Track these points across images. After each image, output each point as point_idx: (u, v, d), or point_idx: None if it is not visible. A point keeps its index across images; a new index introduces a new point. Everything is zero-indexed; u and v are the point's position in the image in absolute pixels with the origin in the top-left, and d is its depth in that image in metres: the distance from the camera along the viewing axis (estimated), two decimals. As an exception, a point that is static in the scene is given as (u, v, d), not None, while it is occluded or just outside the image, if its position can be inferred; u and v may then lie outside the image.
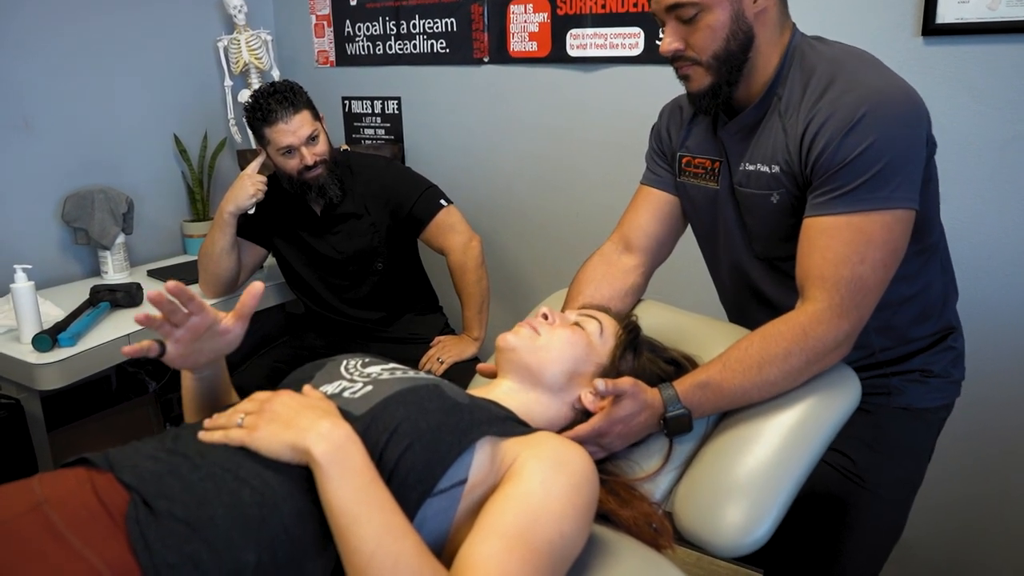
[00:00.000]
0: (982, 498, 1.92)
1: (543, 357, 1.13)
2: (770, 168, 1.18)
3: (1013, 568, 1.91)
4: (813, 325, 1.09)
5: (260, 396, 0.97)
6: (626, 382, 1.08)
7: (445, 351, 2.13)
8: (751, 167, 1.21)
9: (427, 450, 0.91)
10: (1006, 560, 1.92)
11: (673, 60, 1.21)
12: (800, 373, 1.10)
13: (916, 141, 1.10)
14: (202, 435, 0.93)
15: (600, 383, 1.06)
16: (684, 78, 1.22)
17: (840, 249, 1.09)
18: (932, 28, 1.73)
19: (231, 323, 1.06)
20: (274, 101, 1.98)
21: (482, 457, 0.96)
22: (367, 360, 1.13)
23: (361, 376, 1.06)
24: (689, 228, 1.44)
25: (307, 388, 1.01)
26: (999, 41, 1.68)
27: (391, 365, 1.12)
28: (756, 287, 1.31)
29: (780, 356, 1.09)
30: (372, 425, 0.93)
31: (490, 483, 0.95)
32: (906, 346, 1.28)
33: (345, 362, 1.12)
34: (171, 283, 0.97)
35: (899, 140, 1.08)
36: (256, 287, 1.03)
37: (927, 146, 1.13)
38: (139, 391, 2.54)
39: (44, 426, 1.97)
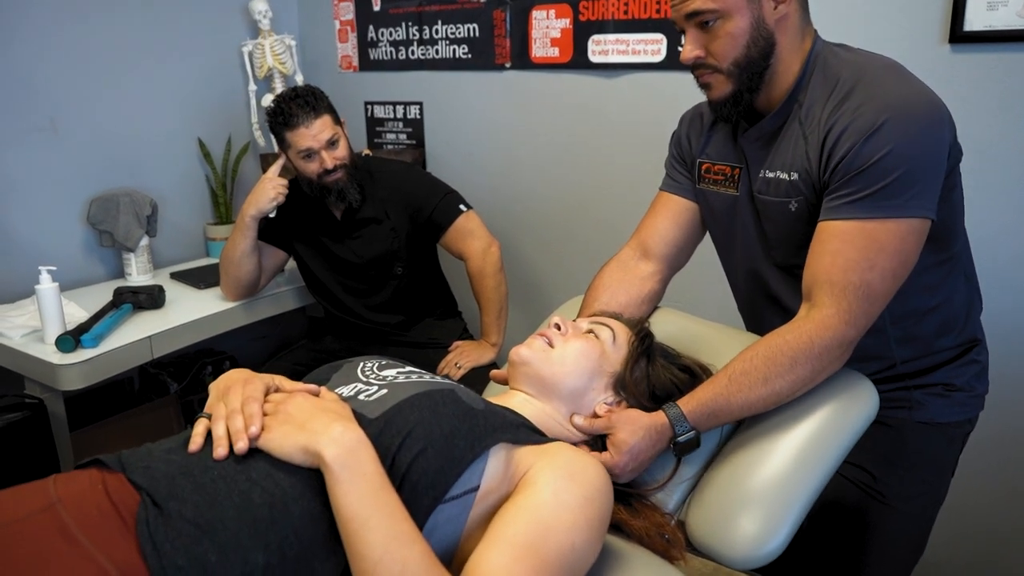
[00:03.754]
0: (1008, 513, 1.88)
1: (558, 370, 1.13)
2: (789, 175, 1.17)
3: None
4: (820, 332, 1.08)
5: (275, 397, 0.97)
6: (600, 422, 1.11)
7: (463, 356, 2.13)
8: (771, 174, 1.20)
9: (440, 456, 0.91)
10: (1032, 577, 1.88)
11: (694, 68, 1.20)
12: (806, 383, 1.10)
13: (936, 151, 1.08)
14: None
15: (578, 419, 1.13)
16: (705, 86, 1.21)
17: (851, 254, 1.07)
18: (960, 35, 1.71)
19: None
20: (295, 105, 1.99)
21: (496, 464, 0.95)
22: (384, 363, 1.13)
23: (377, 379, 1.06)
24: (707, 235, 1.43)
25: (322, 390, 1.01)
26: (1028, 49, 1.65)
27: (407, 368, 1.12)
28: (773, 294, 1.30)
29: (786, 367, 1.08)
30: (386, 429, 0.93)
31: (503, 491, 0.95)
32: (929, 358, 1.26)
33: (362, 364, 1.12)
34: None
35: (918, 149, 1.06)
36: (312, 392, 0.99)
37: (951, 155, 1.11)
38: (161, 392, 2.56)
39: (67, 426, 2.00)
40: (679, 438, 1.10)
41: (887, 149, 1.05)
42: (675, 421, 1.10)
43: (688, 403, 1.11)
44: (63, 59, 2.30)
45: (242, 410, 0.92)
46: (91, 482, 0.86)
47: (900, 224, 1.07)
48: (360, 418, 0.94)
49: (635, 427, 1.09)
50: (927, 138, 1.07)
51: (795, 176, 1.16)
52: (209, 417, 0.95)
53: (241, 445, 0.88)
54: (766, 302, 1.32)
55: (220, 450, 0.88)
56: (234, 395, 0.94)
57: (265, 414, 0.93)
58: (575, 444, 1.09)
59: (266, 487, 0.84)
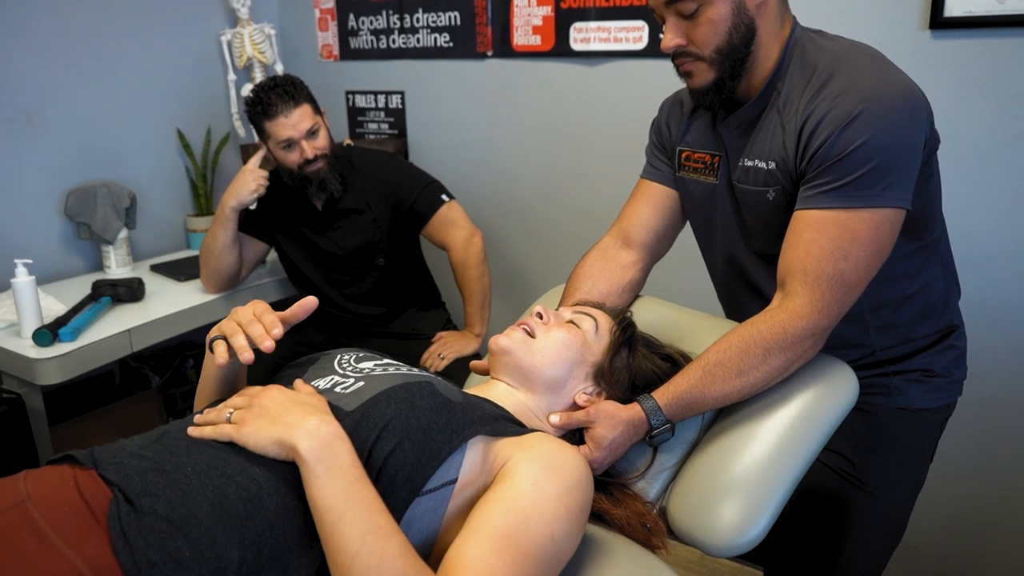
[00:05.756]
0: (985, 497, 1.89)
1: (538, 360, 1.12)
2: (767, 164, 1.16)
3: (1016, 567, 1.89)
4: (793, 322, 1.07)
5: (250, 391, 0.96)
6: (581, 414, 1.10)
7: (446, 347, 2.12)
8: (749, 163, 1.19)
9: (417, 449, 0.90)
10: (1010, 559, 1.90)
11: (675, 57, 1.19)
12: (780, 372, 1.10)
13: (912, 141, 1.08)
14: (192, 431, 0.92)
15: (555, 417, 1.12)
16: (686, 74, 1.20)
17: (825, 244, 1.07)
18: (940, 21, 1.70)
19: (280, 334, 1.00)
20: (274, 95, 1.97)
21: (473, 457, 0.95)
22: (361, 355, 1.12)
23: (354, 371, 1.05)
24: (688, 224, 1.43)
25: (298, 383, 1.00)
26: (1008, 35, 1.65)
27: (385, 361, 1.11)
28: (753, 282, 1.29)
29: (760, 357, 1.08)
30: (362, 422, 0.92)
31: (481, 483, 0.94)
32: (908, 344, 1.26)
33: (339, 357, 1.11)
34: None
35: (894, 140, 1.06)
36: (310, 301, 1.02)
37: (928, 143, 1.11)
38: (142, 386, 2.54)
39: (46, 420, 1.97)
40: (654, 431, 1.10)
41: (863, 139, 1.04)
42: (651, 413, 1.10)
43: (663, 395, 1.10)
44: (38, 49, 2.26)
45: (259, 319, 0.97)
46: (62, 479, 0.84)
47: (875, 214, 1.07)
48: (336, 411, 0.93)
49: (614, 421, 1.09)
50: (903, 128, 1.07)
51: (772, 165, 1.16)
52: (222, 338, 0.99)
53: (268, 344, 0.95)
54: (745, 290, 1.32)
55: (246, 354, 0.95)
56: (244, 312, 1.00)
57: (239, 408, 0.92)
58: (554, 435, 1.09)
59: (240, 482, 0.83)
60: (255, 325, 0.97)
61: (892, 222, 1.08)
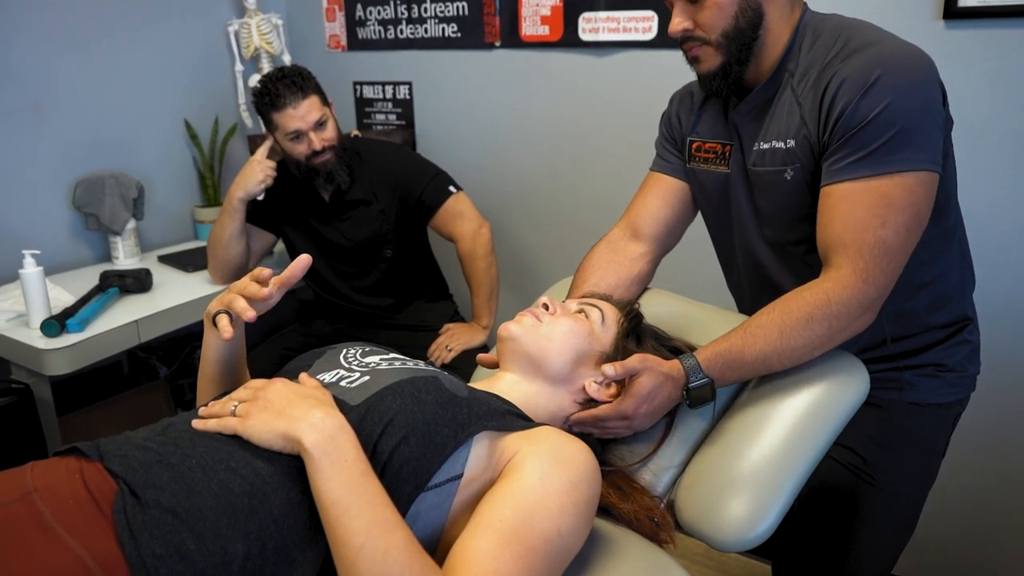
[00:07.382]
0: (996, 488, 1.88)
1: (546, 347, 1.11)
2: (785, 143, 1.16)
3: (1029, 563, 1.88)
4: (837, 290, 1.06)
5: (255, 384, 0.96)
6: (634, 360, 1.08)
7: (454, 339, 2.12)
8: (766, 145, 1.18)
9: (422, 444, 0.90)
10: (1019, 551, 1.88)
11: (682, 42, 1.19)
12: (823, 340, 1.07)
13: (933, 103, 1.07)
14: (196, 423, 0.92)
15: (609, 368, 1.07)
16: (694, 60, 1.20)
17: (861, 214, 1.06)
18: (954, 11, 1.69)
19: (274, 290, 1.01)
20: (282, 86, 1.96)
21: (479, 452, 0.94)
22: (367, 349, 1.12)
23: (359, 366, 1.05)
24: (697, 216, 1.42)
25: (303, 376, 0.99)
26: (1023, 25, 1.63)
27: (391, 355, 1.11)
28: (767, 273, 1.28)
29: (802, 321, 1.06)
30: (367, 416, 0.92)
31: (487, 478, 0.94)
32: (921, 336, 1.25)
33: (345, 351, 1.11)
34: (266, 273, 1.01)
35: (915, 103, 1.05)
36: (304, 259, 1.01)
37: (944, 115, 1.10)
38: (150, 376, 2.54)
39: (54, 411, 1.98)
40: (691, 384, 1.09)
41: (885, 103, 1.04)
42: (690, 370, 1.09)
43: (703, 353, 1.10)
44: (45, 40, 2.26)
45: (256, 278, 1.00)
46: (68, 471, 0.84)
47: (907, 178, 1.05)
48: (341, 405, 0.93)
49: (656, 371, 1.08)
50: (922, 91, 1.06)
51: (791, 144, 1.15)
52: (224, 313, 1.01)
53: (264, 292, 0.97)
54: (760, 282, 1.31)
55: (248, 314, 0.97)
56: (239, 281, 1.02)
57: (243, 401, 0.91)
58: (562, 428, 1.08)
59: (245, 476, 0.83)
60: (251, 286, 0.98)
61: (926, 185, 1.07)
